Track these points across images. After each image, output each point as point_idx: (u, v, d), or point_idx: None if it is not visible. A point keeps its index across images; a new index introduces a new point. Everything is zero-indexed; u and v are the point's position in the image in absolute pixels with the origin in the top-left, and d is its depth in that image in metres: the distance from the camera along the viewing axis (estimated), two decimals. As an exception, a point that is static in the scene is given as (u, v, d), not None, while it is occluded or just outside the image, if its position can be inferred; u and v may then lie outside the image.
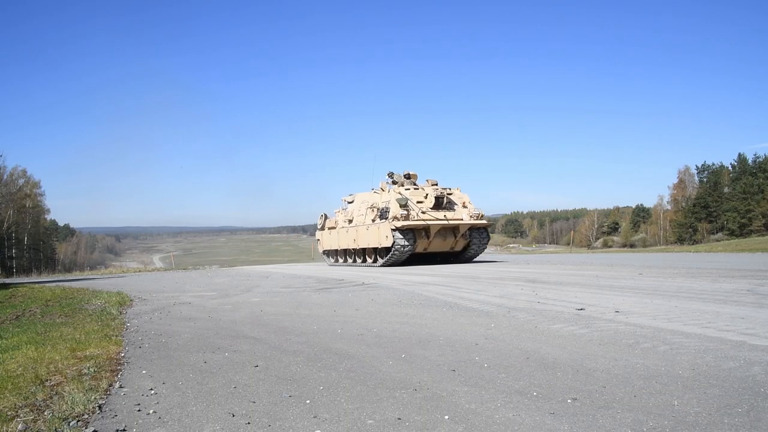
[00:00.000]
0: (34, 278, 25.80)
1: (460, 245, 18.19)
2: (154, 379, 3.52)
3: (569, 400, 2.77)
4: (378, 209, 18.52)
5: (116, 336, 5.20)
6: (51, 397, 3.10)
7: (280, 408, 2.83)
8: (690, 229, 69.09)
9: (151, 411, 2.86)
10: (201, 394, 3.15)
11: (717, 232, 66.63)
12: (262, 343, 4.65)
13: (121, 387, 3.34)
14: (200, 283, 13.13)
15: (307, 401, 2.93)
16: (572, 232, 78.46)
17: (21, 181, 57.55)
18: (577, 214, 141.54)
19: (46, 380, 3.50)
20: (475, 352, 3.96)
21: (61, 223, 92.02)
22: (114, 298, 8.96)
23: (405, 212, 17.02)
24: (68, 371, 3.72)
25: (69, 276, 25.38)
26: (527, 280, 9.92)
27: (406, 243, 16.75)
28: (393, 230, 16.72)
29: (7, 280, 23.78)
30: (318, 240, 24.01)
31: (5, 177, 53.23)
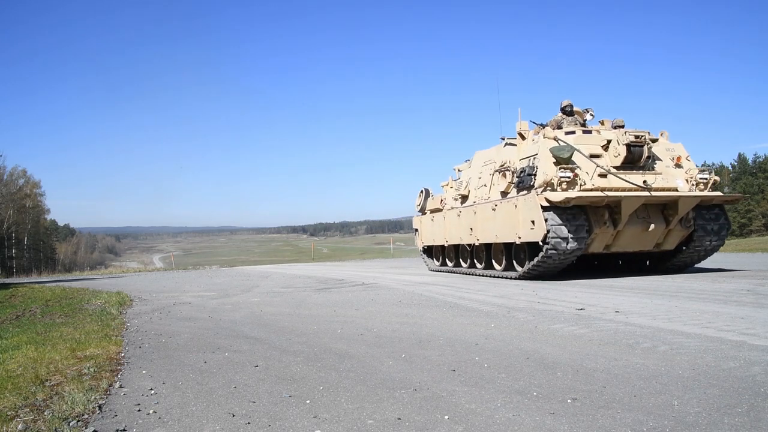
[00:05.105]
0: (34, 278, 25.80)
1: (674, 240, 9.89)
2: (154, 379, 3.52)
3: (569, 400, 2.77)
4: (513, 172, 10.31)
5: (116, 336, 5.21)
6: (51, 397, 3.10)
7: (280, 408, 2.83)
8: (690, 229, 68.97)
9: (151, 411, 2.86)
10: (201, 394, 3.15)
11: (717, 232, 66.49)
12: (262, 343, 4.65)
13: (121, 387, 3.34)
14: (200, 283, 13.13)
15: (307, 401, 2.93)
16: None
17: (21, 181, 57.53)
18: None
19: (46, 380, 3.50)
20: (475, 352, 3.95)
21: (61, 223, 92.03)
22: (114, 298, 8.96)
23: (568, 174, 9.05)
24: (68, 371, 3.72)
25: (69, 276, 25.39)
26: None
27: (572, 237, 8.89)
28: (545, 209, 8.92)
29: (7, 280, 23.78)
30: (416, 230, 15.55)
31: (5, 177, 53.25)
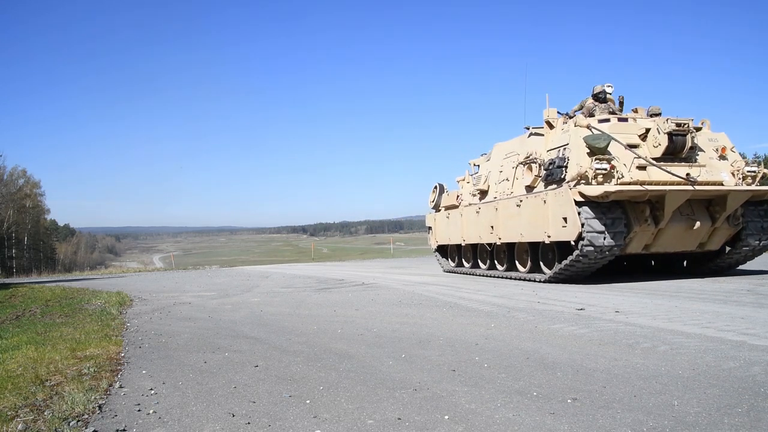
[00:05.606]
0: (34, 278, 25.80)
1: (719, 239, 9.05)
2: (154, 379, 3.52)
3: (569, 400, 2.77)
4: (540, 164, 9.40)
5: (116, 336, 5.21)
6: (51, 397, 3.10)
7: (280, 408, 2.83)
8: (690, 229, 68.99)
9: (151, 411, 2.86)
10: (201, 394, 3.15)
11: (717, 232, 66.47)
12: (262, 343, 4.65)
13: (121, 387, 3.34)
14: (200, 283, 13.13)
15: (307, 401, 2.93)
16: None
17: (21, 181, 57.51)
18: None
19: (46, 380, 3.50)
20: (475, 352, 3.96)
21: (61, 223, 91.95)
22: (114, 298, 8.96)
23: (605, 166, 8.18)
24: (68, 371, 3.72)
25: (69, 276, 25.38)
26: (527, 280, 9.91)
27: (610, 235, 8.07)
28: (579, 204, 8.12)
29: (7, 280, 23.78)
30: (429, 228, 14.46)
31: (5, 177, 53.25)
